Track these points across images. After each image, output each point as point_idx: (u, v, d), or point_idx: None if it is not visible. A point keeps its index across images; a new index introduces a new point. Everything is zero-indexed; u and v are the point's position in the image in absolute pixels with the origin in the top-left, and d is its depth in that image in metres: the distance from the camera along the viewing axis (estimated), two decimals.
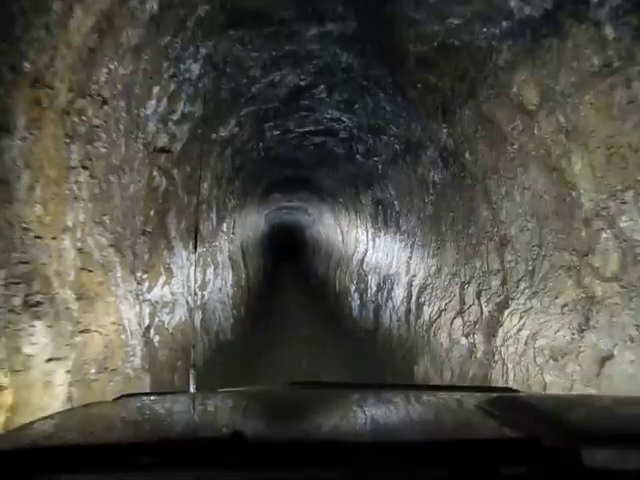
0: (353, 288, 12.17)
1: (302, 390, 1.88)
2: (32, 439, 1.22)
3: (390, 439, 1.26)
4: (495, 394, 1.63)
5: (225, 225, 9.09)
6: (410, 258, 7.52)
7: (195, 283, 5.83)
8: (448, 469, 0.97)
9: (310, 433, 1.32)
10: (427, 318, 6.28)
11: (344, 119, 7.37)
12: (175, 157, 5.06)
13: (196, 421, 1.56)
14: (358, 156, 8.81)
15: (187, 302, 5.98)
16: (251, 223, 15.83)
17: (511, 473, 0.97)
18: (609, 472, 1.00)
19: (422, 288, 6.69)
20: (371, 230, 10.67)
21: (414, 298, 7.00)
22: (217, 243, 7.59)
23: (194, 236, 5.92)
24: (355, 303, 11.81)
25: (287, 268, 26.31)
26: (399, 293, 7.89)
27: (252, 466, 0.99)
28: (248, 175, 10.05)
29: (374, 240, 10.44)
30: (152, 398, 1.86)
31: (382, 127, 6.90)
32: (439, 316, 5.85)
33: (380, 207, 9.54)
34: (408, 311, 7.27)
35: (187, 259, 6.00)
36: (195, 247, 5.78)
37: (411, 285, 7.27)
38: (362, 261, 11.53)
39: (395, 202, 8.32)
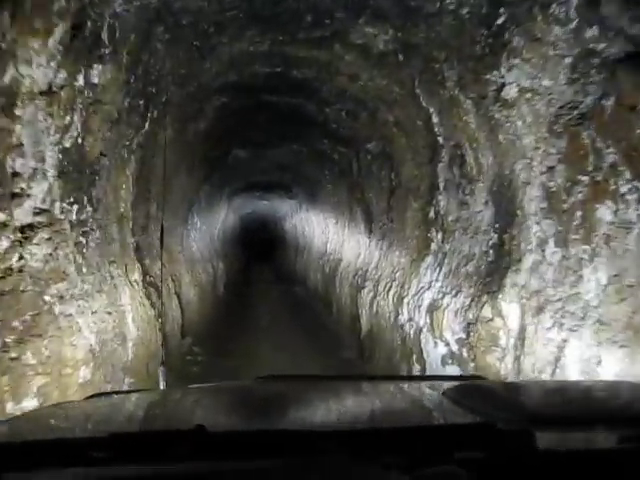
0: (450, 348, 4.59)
1: (271, 384, 1.86)
2: (3, 437, 1.21)
3: (347, 428, 1.29)
4: (461, 382, 1.67)
5: None
6: None
7: None
8: (403, 455, 0.99)
9: (272, 424, 1.35)
10: None
11: None
12: None
13: (163, 416, 1.56)
14: None
15: None
16: (201, 212, 8.58)
17: (465, 457, 0.98)
18: (561, 453, 1.03)
19: None
20: None
21: None
22: None
23: None
24: None
25: (262, 273, 20.64)
26: None
27: (214, 457, 1.01)
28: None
29: None
30: (122, 396, 1.83)
31: None
32: None
33: None
34: None
35: None
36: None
37: None
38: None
39: None
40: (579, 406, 1.38)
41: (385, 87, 5.06)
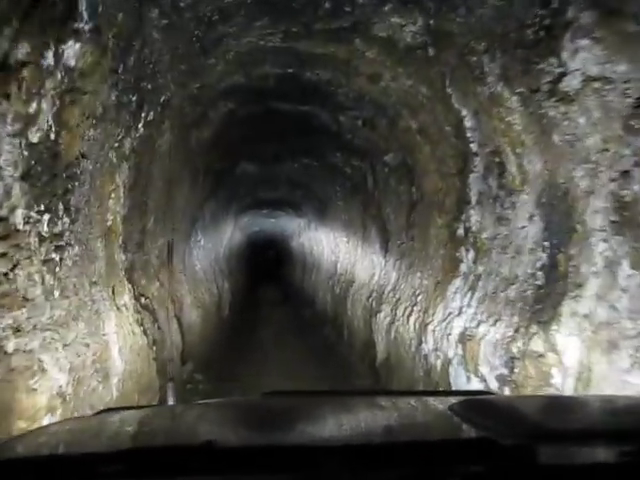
0: None
1: (278, 399, 1.86)
2: (13, 454, 1.19)
3: (351, 443, 1.28)
4: (467, 397, 1.62)
5: None
6: None
7: None
8: (404, 470, 0.99)
9: (280, 439, 1.34)
10: None
11: None
12: None
13: (172, 432, 1.52)
14: None
15: None
16: (206, 229, 8.69)
17: (466, 473, 0.99)
18: (562, 468, 1.02)
19: None
20: None
21: None
22: None
23: None
24: None
25: (269, 293, 19.91)
26: None
27: (223, 472, 1.01)
28: None
29: None
30: (130, 412, 1.77)
31: None
32: None
33: None
34: None
35: None
36: None
37: None
38: None
39: None
40: (583, 420, 1.37)
41: (410, 88, 4.51)
